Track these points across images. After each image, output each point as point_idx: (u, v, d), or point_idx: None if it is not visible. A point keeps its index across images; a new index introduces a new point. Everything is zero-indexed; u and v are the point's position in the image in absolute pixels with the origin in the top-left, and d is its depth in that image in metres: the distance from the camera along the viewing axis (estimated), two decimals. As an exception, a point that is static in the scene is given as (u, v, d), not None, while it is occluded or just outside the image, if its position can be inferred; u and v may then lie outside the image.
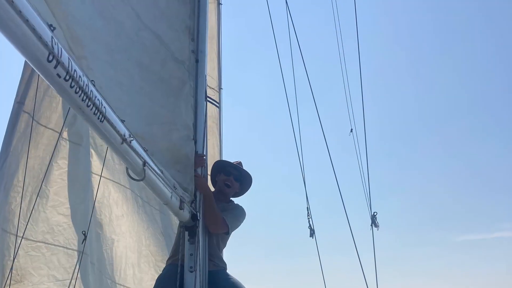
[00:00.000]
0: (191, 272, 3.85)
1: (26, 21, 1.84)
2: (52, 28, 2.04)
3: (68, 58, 2.14)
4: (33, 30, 1.89)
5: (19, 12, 1.80)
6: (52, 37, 2.01)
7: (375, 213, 5.13)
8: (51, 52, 2.00)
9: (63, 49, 2.10)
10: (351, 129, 6.08)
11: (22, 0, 1.83)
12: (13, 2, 1.76)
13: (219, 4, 5.91)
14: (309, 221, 5.19)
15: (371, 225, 5.11)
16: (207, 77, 4.57)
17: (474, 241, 25.30)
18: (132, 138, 2.82)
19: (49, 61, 2.02)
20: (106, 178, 5.61)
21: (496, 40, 26.90)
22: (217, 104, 5.67)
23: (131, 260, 5.83)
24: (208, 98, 4.60)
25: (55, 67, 2.06)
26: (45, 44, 1.96)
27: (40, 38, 1.93)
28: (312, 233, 5.15)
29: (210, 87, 5.27)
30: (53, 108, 5.21)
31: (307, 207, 5.20)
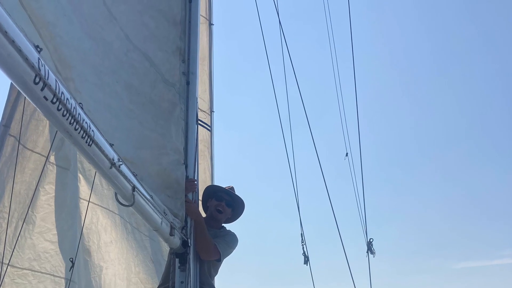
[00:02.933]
0: (182, 300, 3.81)
1: (12, 42, 1.82)
2: (39, 50, 2.02)
3: (55, 80, 2.12)
4: (19, 51, 1.87)
5: (5, 33, 1.79)
6: (39, 59, 1.99)
7: (371, 240, 5.10)
8: (37, 73, 1.98)
9: (50, 71, 2.08)
10: (346, 153, 6.08)
11: (8, 20, 1.81)
12: (-2, 22, 1.75)
13: (210, 24, 5.92)
14: (303, 247, 5.14)
15: (367, 252, 5.08)
16: (198, 100, 4.55)
17: (473, 269, 25.20)
18: (121, 163, 2.80)
19: (36, 83, 2.00)
20: (94, 204, 5.58)
21: (494, 65, 27.09)
22: (209, 128, 5.65)
23: (120, 288, 5.77)
24: (199, 121, 4.59)
25: (42, 89, 2.04)
26: (31, 66, 1.94)
27: (26, 59, 1.91)
28: (306, 260, 5.11)
29: (201, 110, 5.27)
30: (40, 132, 5.19)
31: (301, 234, 5.17)
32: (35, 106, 2.14)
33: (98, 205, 5.61)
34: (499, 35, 26.23)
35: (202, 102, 5.34)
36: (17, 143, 4.96)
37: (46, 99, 2.10)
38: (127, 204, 3.01)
